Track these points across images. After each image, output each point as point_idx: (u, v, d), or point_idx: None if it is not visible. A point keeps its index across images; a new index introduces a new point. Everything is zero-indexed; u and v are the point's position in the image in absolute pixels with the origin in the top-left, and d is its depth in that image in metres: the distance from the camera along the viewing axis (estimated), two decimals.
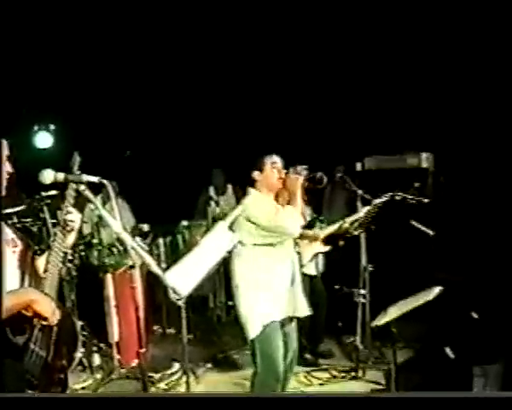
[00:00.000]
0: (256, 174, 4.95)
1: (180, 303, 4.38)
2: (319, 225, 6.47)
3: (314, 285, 6.47)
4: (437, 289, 5.12)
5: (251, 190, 4.98)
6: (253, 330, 4.76)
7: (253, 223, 4.77)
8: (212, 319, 8.30)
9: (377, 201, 5.86)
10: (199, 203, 8.97)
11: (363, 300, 6.23)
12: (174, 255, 7.71)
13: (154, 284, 7.04)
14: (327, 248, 6.43)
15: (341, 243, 6.31)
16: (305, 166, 6.49)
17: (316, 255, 6.46)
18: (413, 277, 6.62)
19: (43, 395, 3.08)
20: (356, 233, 6.02)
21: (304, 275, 5.49)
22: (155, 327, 7.87)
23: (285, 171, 5.04)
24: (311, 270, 6.42)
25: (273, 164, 4.94)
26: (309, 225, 6.38)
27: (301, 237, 5.89)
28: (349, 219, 6.16)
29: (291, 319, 4.97)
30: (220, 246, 4.44)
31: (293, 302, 4.94)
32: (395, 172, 7.72)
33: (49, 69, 8.49)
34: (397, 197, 5.94)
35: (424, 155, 7.91)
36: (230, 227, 4.66)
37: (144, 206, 8.93)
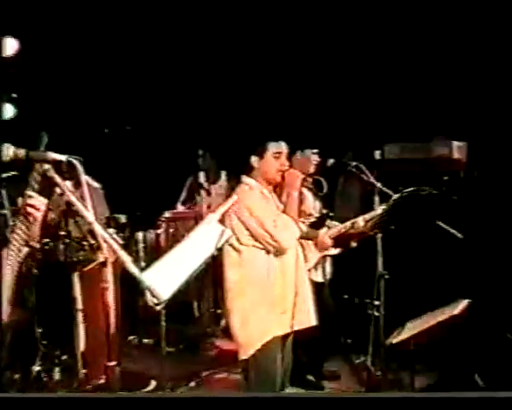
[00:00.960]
0: (254, 160, 4.94)
1: (159, 309, 4.38)
2: (329, 222, 6.48)
3: (320, 294, 6.46)
4: (465, 303, 5.14)
5: (245, 179, 4.98)
6: (247, 348, 4.78)
7: (242, 222, 4.77)
8: (197, 329, 8.31)
9: (398, 196, 5.86)
10: (185, 191, 8.98)
11: (376, 313, 6.22)
12: (155, 252, 7.71)
13: (129, 286, 7.03)
14: (336, 251, 6.46)
15: (354, 244, 6.33)
16: (314, 151, 6.52)
17: (323, 259, 6.49)
18: (437, 287, 6.64)
19: (43, 396, 3.11)
20: (371, 234, 6.04)
21: (310, 281, 5.51)
22: (130, 337, 7.87)
23: (289, 162, 5.05)
24: (316, 276, 6.43)
25: (276, 153, 4.93)
26: (317, 223, 6.40)
27: (307, 236, 5.92)
28: (364, 217, 6.17)
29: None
30: (208, 242, 4.43)
31: (298, 314, 4.95)
32: (420, 163, 7.72)
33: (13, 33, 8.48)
34: (421, 192, 5.95)
35: (456, 144, 7.90)
36: (222, 221, 4.67)
37: (122, 193, 8.92)
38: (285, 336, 4.99)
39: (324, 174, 6.41)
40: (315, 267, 6.36)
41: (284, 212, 4.92)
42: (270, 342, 4.80)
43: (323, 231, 6.33)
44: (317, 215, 6.48)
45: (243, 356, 4.82)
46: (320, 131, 7.85)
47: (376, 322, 6.24)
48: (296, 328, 5.00)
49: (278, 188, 5.13)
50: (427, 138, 8.11)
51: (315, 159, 6.49)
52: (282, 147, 4.99)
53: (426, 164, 7.70)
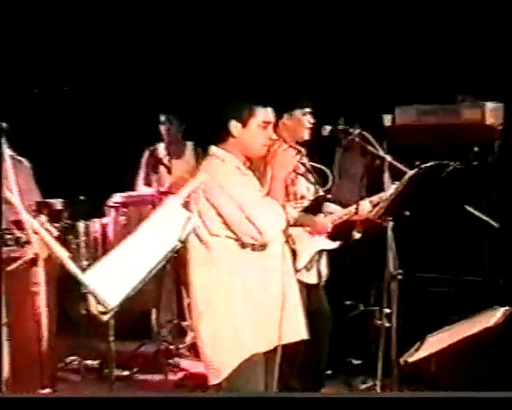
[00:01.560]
0: (234, 127, 4.89)
1: (106, 320, 4.36)
2: (326, 206, 6.46)
3: (314, 299, 6.47)
4: (501, 311, 5.14)
5: (216, 151, 4.94)
6: (220, 369, 4.79)
7: (213, 204, 4.75)
8: (156, 346, 8.28)
9: (414, 172, 5.86)
10: (144, 169, 8.96)
11: (387, 323, 6.23)
12: (101, 247, 7.69)
13: (66, 290, 7.00)
14: (335, 244, 6.45)
15: (357, 235, 6.33)
16: (306, 111, 6.47)
17: (318, 254, 6.47)
18: (466, 291, 6.64)
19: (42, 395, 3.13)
20: (380, 221, 6.03)
21: (299, 284, 5.49)
22: (68, 358, 7.84)
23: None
24: (309, 277, 6.43)
25: (264, 122, 4.91)
26: (311, 208, 6.38)
27: (297, 224, 5.90)
28: (371, 200, 6.18)
29: (275, 348, 4.99)
30: (169, 233, 4.40)
31: (284, 325, 4.93)
32: (443, 131, 7.72)
33: None
34: (444, 168, 5.94)
35: (488, 106, 7.90)
36: (186, 205, 4.61)
37: (57, 172, 8.87)
38: (269, 354, 4.98)
39: (319, 145, 6.40)
40: (308, 266, 6.34)
41: (267, 195, 4.89)
42: (249, 361, 4.79)
43: (320, 217, 6.31)
44: (312, 198, 6.44)
45: (215, 380, 4.81)
46: (312, 90, 7.80)
47: (387, 335, 6.25)
48: (282, 342, 4.97)
49: (259, 165, 5.10)
50: (452, 99, 8.10)
51: (308, 121, 6.41)
52: (271, 115, 4.96)
53: (450, 132, 7.68)
